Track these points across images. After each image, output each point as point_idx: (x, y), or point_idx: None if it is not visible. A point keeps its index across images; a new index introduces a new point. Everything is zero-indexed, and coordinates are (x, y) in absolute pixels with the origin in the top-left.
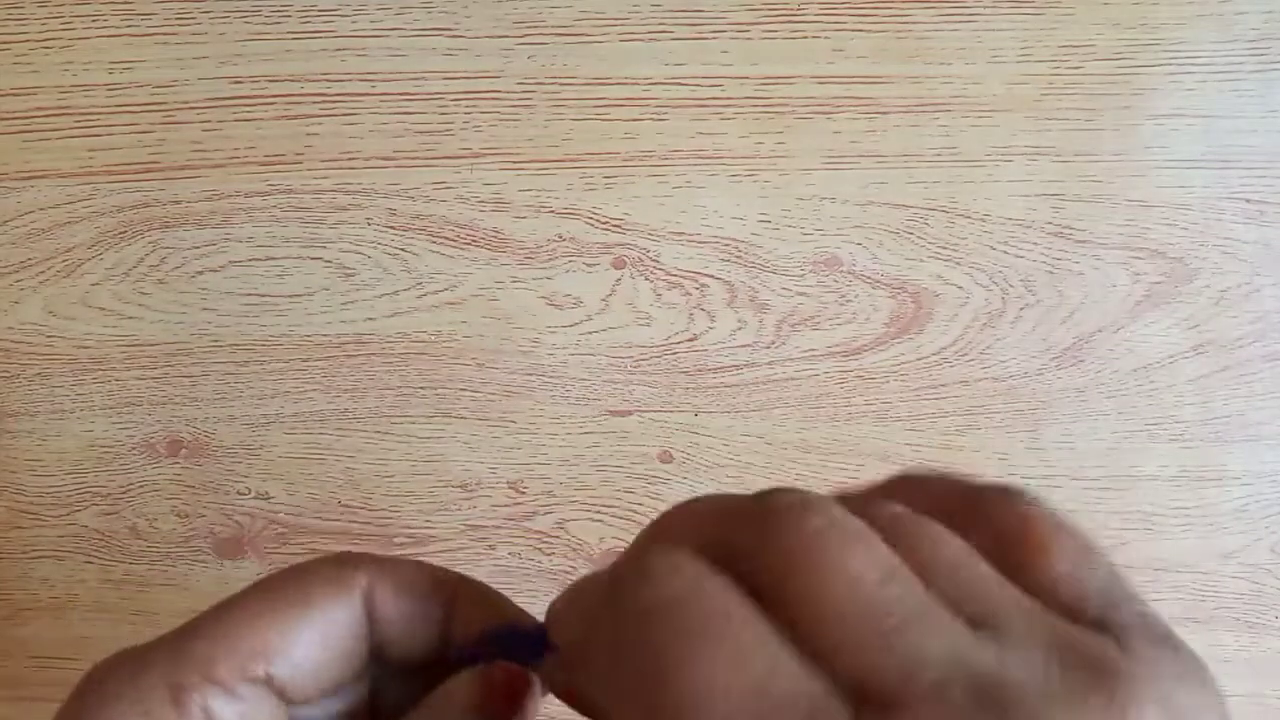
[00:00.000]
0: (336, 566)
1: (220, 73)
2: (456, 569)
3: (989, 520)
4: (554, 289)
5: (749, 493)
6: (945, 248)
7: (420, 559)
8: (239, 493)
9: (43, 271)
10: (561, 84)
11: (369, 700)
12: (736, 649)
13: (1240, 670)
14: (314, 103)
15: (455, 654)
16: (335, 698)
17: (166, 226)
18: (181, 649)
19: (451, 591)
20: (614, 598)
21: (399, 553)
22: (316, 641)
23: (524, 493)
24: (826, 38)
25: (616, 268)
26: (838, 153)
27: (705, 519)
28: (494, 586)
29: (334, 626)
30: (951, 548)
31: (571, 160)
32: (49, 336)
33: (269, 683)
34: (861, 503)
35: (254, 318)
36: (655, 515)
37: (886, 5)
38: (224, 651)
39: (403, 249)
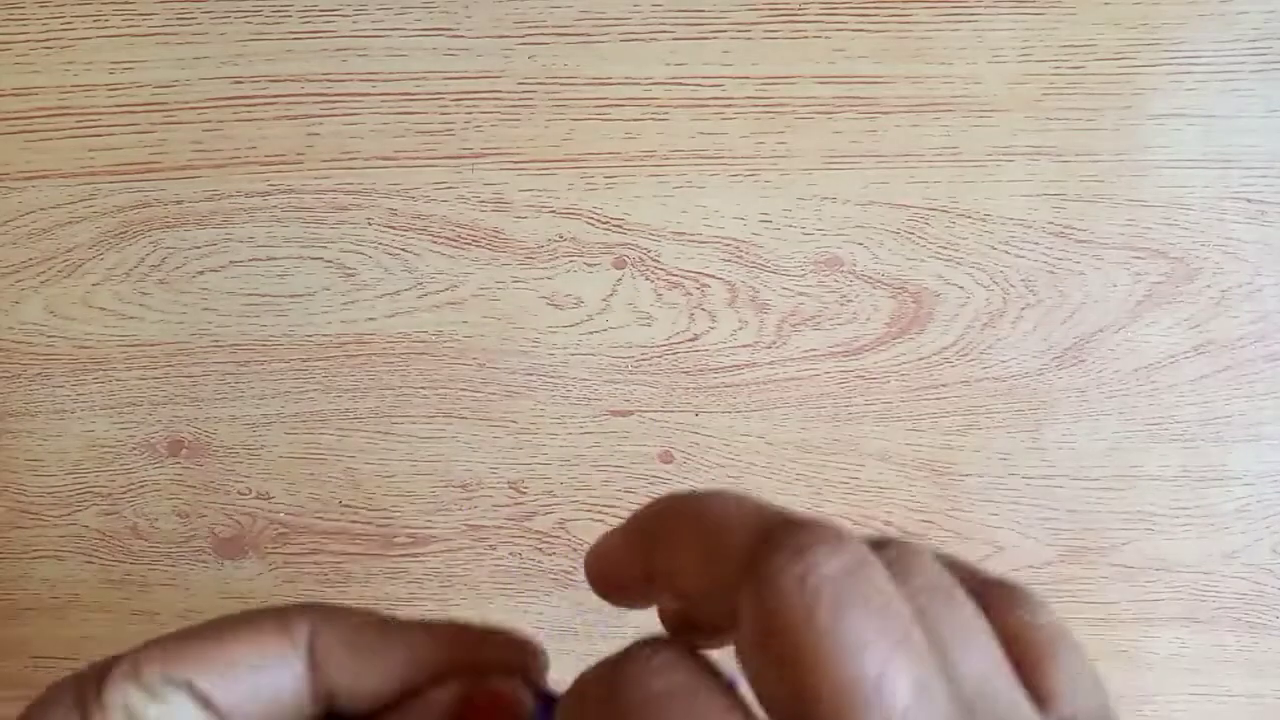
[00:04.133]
0: (279, 611)
1: (221, 73)
2: (457, 569)
3: (995, 618)
4: (555, 289)
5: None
6: (946, 248)
7: (372, 609)
8: (240, 493)
9: (44, 271)
10: (562, 84)
11: None
12: None
13: (1241, 670)
14: (315, 103)
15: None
16: None
17: (167, 226)
18: (117, 658)
19: (406, 639)
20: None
21: (400, 552)
22: (247, 664)
23: (525, 493)
24: (827, 38)
25: (617, 268)
26: (839, 153)
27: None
28: (494, 587)
29: (268, 657)
30: (985, 654)
31: (572, 160)
32: (50, 336)
33: (192, 690)
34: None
35: (255, 318)
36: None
37: (887, 5)
38: (153, 656)
39: (404, 249)
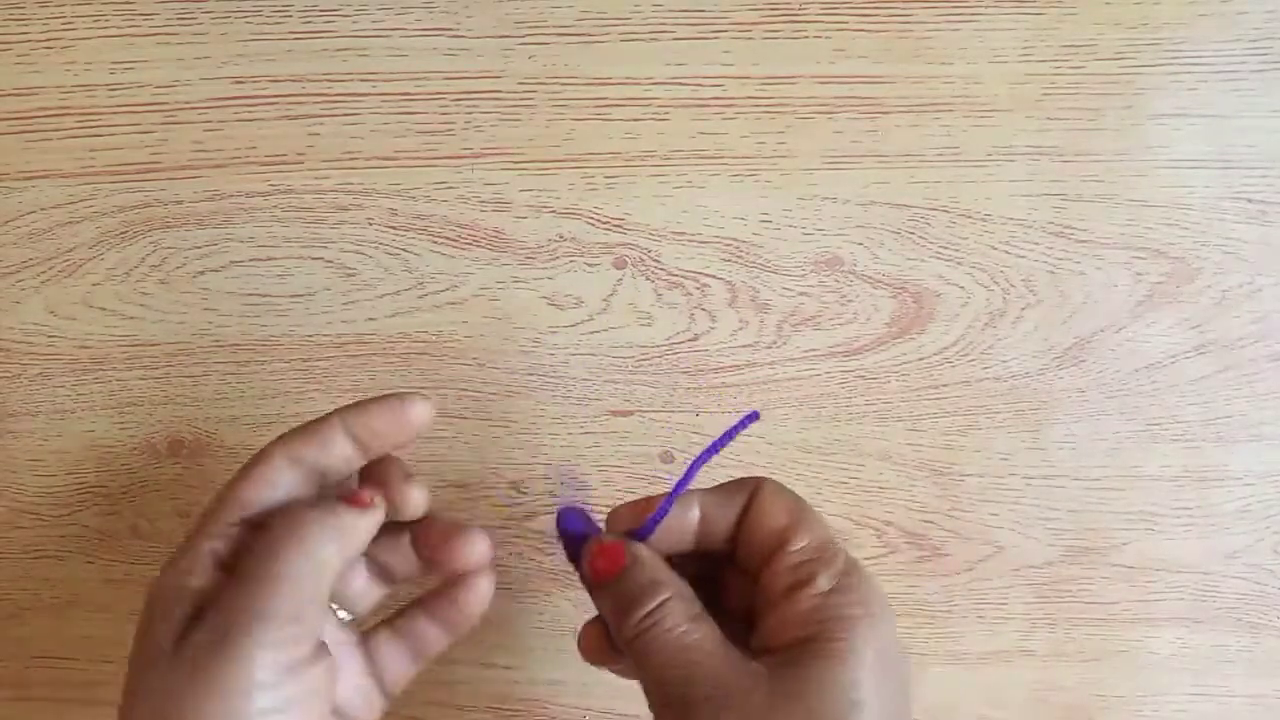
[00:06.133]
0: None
1: (222, 73)
2: None
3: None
4: (555, 289)
5: None
6: (947, 248)
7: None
8: None
9: (44, 271)
10: (563, 84)
11: None
12: None
13: (1242, 670)
14: (315, 103)
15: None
16: None
17: (168, 226)
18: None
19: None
20: None
21: None
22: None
23: (525, 493)
24: (828, 38)
25: (618, 267)
26: (839, 152)
27: None
28: (494, 587)
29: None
30: None
31: (573, 160)
32: (50, 336)
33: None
34: None
35: (255, 318)
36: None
37: (888, 5)
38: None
39: (404, 249)
